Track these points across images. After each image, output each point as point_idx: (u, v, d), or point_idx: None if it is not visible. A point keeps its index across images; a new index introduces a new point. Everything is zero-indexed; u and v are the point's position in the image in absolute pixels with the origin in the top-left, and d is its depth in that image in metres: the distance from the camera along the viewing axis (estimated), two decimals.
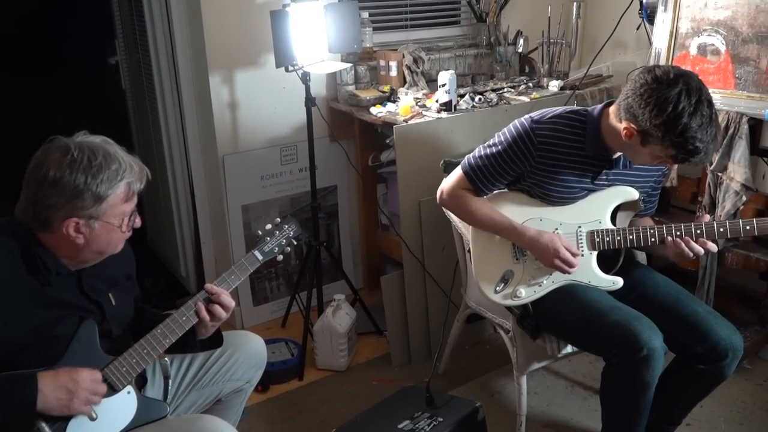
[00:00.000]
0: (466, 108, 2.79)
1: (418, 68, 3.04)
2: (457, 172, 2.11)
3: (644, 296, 2.08)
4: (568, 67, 3.46)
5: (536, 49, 3.35)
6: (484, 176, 2.04)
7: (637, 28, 3.09)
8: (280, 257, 1.90)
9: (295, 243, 1.94)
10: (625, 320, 1.87)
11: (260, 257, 1.84)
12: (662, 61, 2.72)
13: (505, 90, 3.10)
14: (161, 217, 3.52)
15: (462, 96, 2.86)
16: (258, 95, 2.89)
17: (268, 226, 1.90)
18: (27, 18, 3.88)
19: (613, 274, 2.08)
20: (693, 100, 1.73)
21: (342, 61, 3.04)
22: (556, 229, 2.05)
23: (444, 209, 2.30)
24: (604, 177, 2.03)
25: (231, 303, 1.72)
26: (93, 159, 1.49)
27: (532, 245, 2.01)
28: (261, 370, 1.99)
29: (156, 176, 3.40)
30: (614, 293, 2.07)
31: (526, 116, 2.01)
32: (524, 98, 2.95)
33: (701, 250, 1.96)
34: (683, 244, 1.95)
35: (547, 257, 1.99)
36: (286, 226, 1.91)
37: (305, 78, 2.59)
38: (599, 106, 1.97)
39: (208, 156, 2.98)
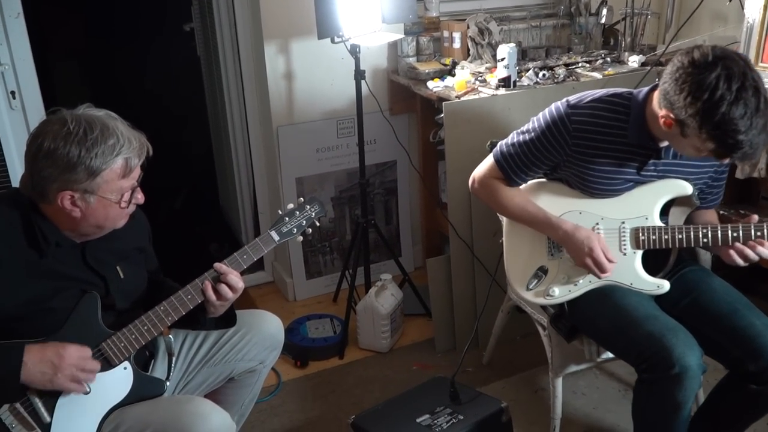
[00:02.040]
0: (528, 84, 2.59)
1: (484, 40, 2.85)
2: (489, 160, 1.96)
3: (697, 303, 1.85)
4: (661, 41, 3.14)
5: (622, 20, 3.05)
6: (516, 165, 1.88)
7: (730, 1, 2.73)
8: (300, 238, 1.85)
9: (318, 224, 1.87)
10: (659, 332, 1.67)
11: (277, 238, 1.79)
12: (755, 37, 2.39)
13: (579, 65, 2.85)
14: (227, 184, 3.58)
15: (525, 71, 2.65)
16: (314, 66, 2.83)
17: (290, 206, 1.84)
18: None
19: (663, 277, 1.87)
20: (735, 87, 1.49)
21: (406, 31, 2.91)
22: (597, 224, 1.86)
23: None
24: (652, 167, 1.81)
25: (239, 284, 1.69)
26: (89, 132, 1.47)
27: (566, 240, 1.84)
28: (276, 351, 1.96)
29: (223, 144, 3.47)
30: (664, 298, 1.87)
31: (564, 100, 1.82)
32: (597, 74, 2.70)
33: (755, 257, 1.73)
34: (737, 249, 1.72)
35: (580, 255, 1.82)
36: (308, 207, 1.84)
37: (354, 50, 2.50)
38: (645, 89, 1.75)
39: (264, 127, 2.97)
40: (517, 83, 2.58)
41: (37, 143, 1.48)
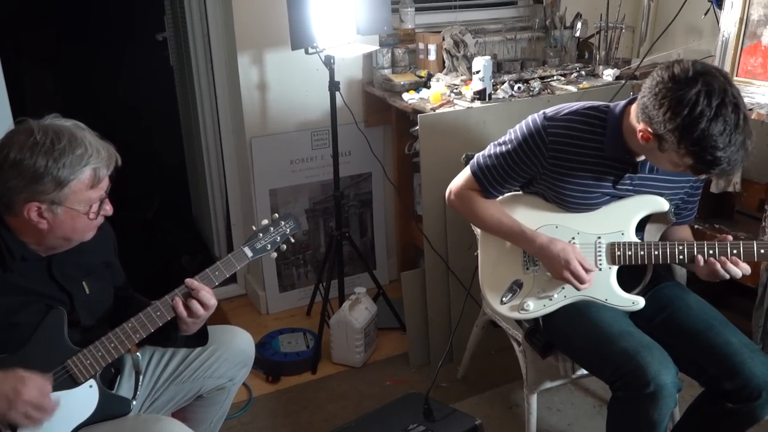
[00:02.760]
0: (503, 97, 2.59)
1: (459, 52, 2.85)
2: (465, 172, 1.94)
3: (672, 319, 1.85)
4: (636, 54, 3.17)
5: (596, 34, 3.07)
6: (493, 177, 1.86)
7: (705, 14, 2.76)
8: (274, 254, 1.82)
9: (292, 240, 1.85)
10: (633, 349, 1.66)
11: (250, 254, 1.76)
12: (729, 51, 2.41)
13: (554, 78, 2.86)
14: (200, 195, 3.52)
15: (500, 84, 2.65)
16: (289, 77, 2.80)
17: (264, 222, 1.81)
18: None
19: (638, 293, 1.87)
20: (714, 103, 1.48)
21: (381, 43, 2.90)
22: (573, 238, 1.85)
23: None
24: (628, 182, 1.80)
25: (211, 300, 1.64)
26: (56, 142, 1.43)
27: (542, 253, 1.82)
28: (247, 368, 1.91)
29: (195, 154, 3.42)
30: (639, 314, 1.86)
31: (540, 112, 1.81)
32: (572, 88, 2.71)
33: (738, 272, 1.72)
34: (718, 264, 1.72)
35: (557, 268, 1.80)
36: (283, 223, 1.82)
37: (329, 61, 2.47)
38: (622, 103, 1.74)
39: (237, 137, 2.93)
40: (492, 96, 2.57)
41: (3, 154, 1.43)
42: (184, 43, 3.14)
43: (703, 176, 1.68)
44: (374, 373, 2.67)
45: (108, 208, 1.57)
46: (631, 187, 1.81)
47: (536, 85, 2.70)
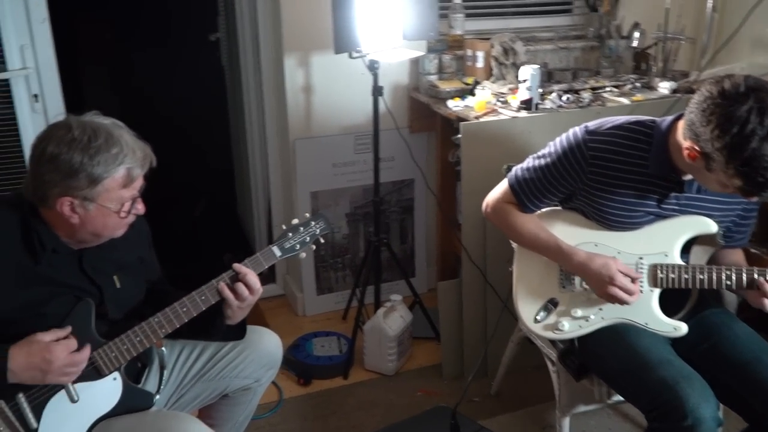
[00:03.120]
0: (551, 108, 2.52)
1: (508, 60, 2.79)
2: (503, 184, 1.89)
3: (718, 348, 1.75)
4: (695, 67, 3.04)
5: (654, 45, 2.97)
6: (531, 191, 1.80)
7: None
8: (303, 255, 1.80)
9: (322, 241, 1.83)
10: (673, 379, 1.57)
11: (278, 253, 1.74)
12: None
13: (607, 89, 2.77)
14: (245, 194, 3.55)
15: (549, 94, 2.58)
16: (334, 80, 2.79)
17: (295, 221, 1.80)
18: None
19: (680, 318, 1.78)
20: (767, 122, 1.39)
21: (429, 49, 2.86)
22: (613, 258, 1.77)
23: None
24: (674, 201, 1.72)
25: (257, 285, 1.65)
26: (93, 140, 1.46)
27: (582, 270, 1.75)
28: (273, 370, 1.90)
29: (242, 155, 3.45)
30: (682, 341, 1.77)
31: (582, 125, 1.74)
32: (624, 100, 2.62)
33: None
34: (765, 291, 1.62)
35: (600, 285, 1.73)
36: (313, 223, 1.80)
37: (373, 66, 2.45)
38: (670, 118, 1.66)
39: (281, 139, 2.95)
40: (539, 106, 2.50)
41: (41, 147, 1.46)
42: (234, 45, 3.17)
43: (755, 199, 1.59)
44: (406, 383, 2.63)
45: (140, 207, 1.58)
46: (677, 207, 1.73)
47: (586, 96, 2.62)
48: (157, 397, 1.71)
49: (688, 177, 1.67)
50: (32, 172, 1.49)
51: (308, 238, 1.78)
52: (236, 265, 1.63)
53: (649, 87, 2.80)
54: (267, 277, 3.30)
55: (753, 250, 2.48)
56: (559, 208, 1.87)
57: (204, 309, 1.62)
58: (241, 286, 1.61)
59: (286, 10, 2.65)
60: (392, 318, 2.65)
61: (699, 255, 1.79)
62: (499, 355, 2.46)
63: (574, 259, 1.76)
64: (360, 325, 2.70)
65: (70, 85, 4.02)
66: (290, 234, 1.77)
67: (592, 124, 1.73)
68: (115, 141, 1.48)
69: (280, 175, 3.04)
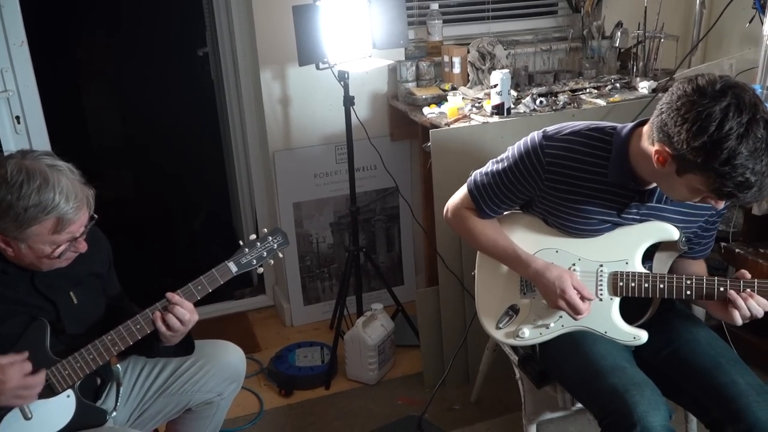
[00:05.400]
0: (525, 111, 2.49)
1: (485, 65, 2.77)
2: (463, 189, 1.87)
3: (678, 354, 1.72)
4: (688, 64, 2.98)
5: (639, 44, 2.92)
6: (488, 196, 1.78)
7: (750, 21, 2.57)
8: (260, 269, 1.82)
9: (281, 255, 1.85)
10: (623, 387, 1.54)
11: (234, 269, 1.76)
12: None
13: (586, 90, 2.73)
14: (236, 207, 3.58)
15: (522, 98, 2.56)
16: (312, 91, 2.81)
17: (252, 237, 1.82)
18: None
19: (641, 325, 1.74)
20: (744, 119, 1.34)
21: (407, 56, 2.86)
22: (574, 264, 1.75)
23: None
24: (635, 211, 1.68)
25: (185, 316, 1.65)
26: (26, 185, 1.45)
27: (537, 279, 1.73)
28: (236, 383, 1.92)
29: (230, 167, 3.48)
30: (645, 346, 1.74)
31: (541, 130, 1.71)
32: (601, 101, 2.58)
33: (759, 310, 1.57)
34: (739, 300, 1.57)
35: (551, 297, 1.70)
36: (270, 238, 1.82)
37: (343, 76, 2.46)
38: (630, 124, 1.61)
39: (262, 151, 2.97)
40: (512, 110, 2.48)
41: None
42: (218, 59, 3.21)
43: (721, 204, 1.53)
44: (387, 392, 2.62)
45: (81, 247, 1.58)
46: (637, 217, 1.68)
47: (562, 98, 2.59)
48: (114, 413, 1.73)
49: (651, 186, 1.63)
50: None
51: (265, 253, 1.81)
52: (169, 295, 1.63)
53: (630, 87, 2.76)
54: (256, 288, 3.33)
55: (738, 251, 2.44)
56: (520, 212, 1.85)
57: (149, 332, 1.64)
58: (172, 318, 1.62)
59: (260, 24, 2.67)
60: (372, 327, 2.64)
61: (662, 261, 1.75)
62: (479, 363, 2.44)
63: (531, 268, 1.74)
64: (341, 335, 2.70)
65: (70, 103, 4.11)
66: (247, 249, 1.79)
67: (550, 129, 1.70)
68: (50, 188, 1.46)
69: (264, 187, 3.06)
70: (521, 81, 2.85)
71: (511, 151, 1.76)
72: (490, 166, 1.81)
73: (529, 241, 1.80)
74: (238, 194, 3.28)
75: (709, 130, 1.36)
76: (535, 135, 1.72)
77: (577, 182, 1.67)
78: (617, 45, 2.95)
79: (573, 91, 2.74)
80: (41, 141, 2.69)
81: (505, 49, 2.89)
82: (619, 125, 1.66)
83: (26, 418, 1.55)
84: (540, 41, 3.02)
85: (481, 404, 2.51)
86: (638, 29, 2.81)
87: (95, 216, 1.61)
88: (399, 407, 2.52)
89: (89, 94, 4.26)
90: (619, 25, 2.95)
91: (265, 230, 1.83)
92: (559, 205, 1.72)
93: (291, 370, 2.66)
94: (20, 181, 1.44)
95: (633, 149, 1.58)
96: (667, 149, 1.44)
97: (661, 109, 1.46)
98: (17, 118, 2.61)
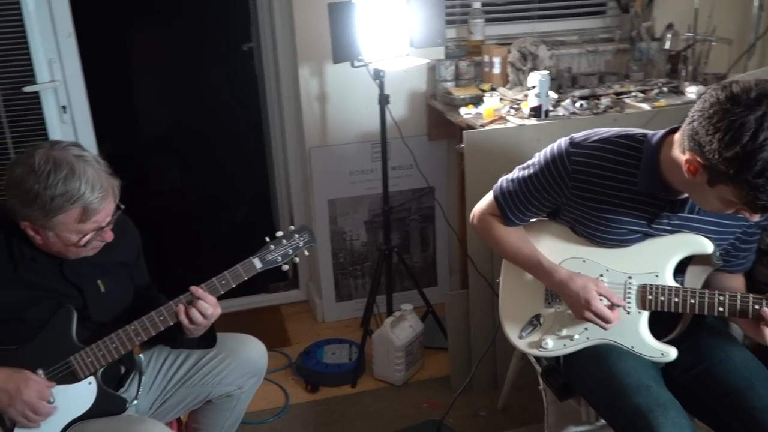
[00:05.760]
0: (564, 114, 2.43)
1: (525, 65, 2.71)
2: (489, 196, 1.83)
3: (711, 373, 1.64)
4: (740, 69, 2.86)
5: (689, 47, 2.81)
6: (513, 203, 1.74)
7: None
8: (286, 267, 1.82)
9: (306, 253, 1.84)
10: (647, 407, 1.48)
11: (259, 265, 1.76)
12: None
13: (632, 94, 2.65)
14: (275, 201, 3.61)
15: (562, 100, 2.49)
16: (349, 89, 2.80)
17: (279, 234, 1.82)
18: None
19: (671, 341, 1.67)
20: None
21: (447, 55, 2.83)
22: (601, 275, 1.69)
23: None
24: (666, 221, 1.61)
25: (208, 310, 1.67)
26: (52, 175, 1.48)
27: (561, 289, 1.68)
28: (256, 378, 1.93)
29: (269, 161, 3.51)
30: (675, 364, 1.67)
31: (569, 136, 1.66)
32: (645, 106, 2.49)
33: None
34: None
35: (576, 307, 1.65)
36: (297, 236, 1.81)
37: (378, 74, 2.44)
38: (661, 132, 1.54)
39: (300, 148, 2.98)
40: (551, 113, 2.42)
41: (11, 169, 1.52)
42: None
43: (757, 218, 1.46)
44: (413, 394, 2.60)
45: (107, 236, 1.60)
46: (669, 228, 1.62)
47: (605, 102, 2.51)
48: (135, 402, 1.76)
49: (683, 196, 1.56)
50: (4, 191, 1.54)
51: (291, 251, 1.80)
52: (192, 288, 1.66)
53: (678, 92, 2.66)
54: (291, 282, 3.35)
55: None
56: (547, 220, 1.80)
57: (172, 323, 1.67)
58: (194, 312, 1.64)
59: (299, 20, 2.68)
60: (401, 327, 2.62)
61: (696, 275, 1.68)
62: (508, 369, 2.39)
63: (555, 277, 1.68)
64: (369, 334, 2.69)
65: (123, 95, 4.20)
66: (272, 246, 1.78)
67: (578, 136, 1.65)
68: (76, 178, 1.49)
69: (300, 183, 3.08)
70: (564, 83, 2.78)
71: (538, 157, 1.71)
72: (516, 173, 1.77)
73: (556, 249, 1.75)
74: (276, 189, 3.30)
75: (743, 141, 1.29)
76: (562, 142, 1.67)
77: (604, 190, 1.61)
78: (667, 47, 2.85)
79: (617, 94, 2.65)
80: (86, 130, 2.77)
81: (548, 50, 2.83)
82: (650, 132, 1.59)
83: (49, 403, 1.59)
84: (585, 42, 2.94)
85: (508, 412, 2.46)
86: (688, 31, 2.70)
87: (121, 206, 1.65)
88: (424, 410, 2.50)
89: (139, 85, 4.35)
90: (670, 26, 2.84)
91: (292, 227, 1.82)
92: (586, 213, 1.66)
93: (318, 366, 2.67)
94: (47, 170, 1.48)
95: (664, 158, 1.52)
96: (698, 159, 1.38)
97: (693, 116, 1.39)
98: (63, 107, 2.69)
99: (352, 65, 2.37)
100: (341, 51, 2.30)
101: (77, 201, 1.50)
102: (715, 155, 1.33)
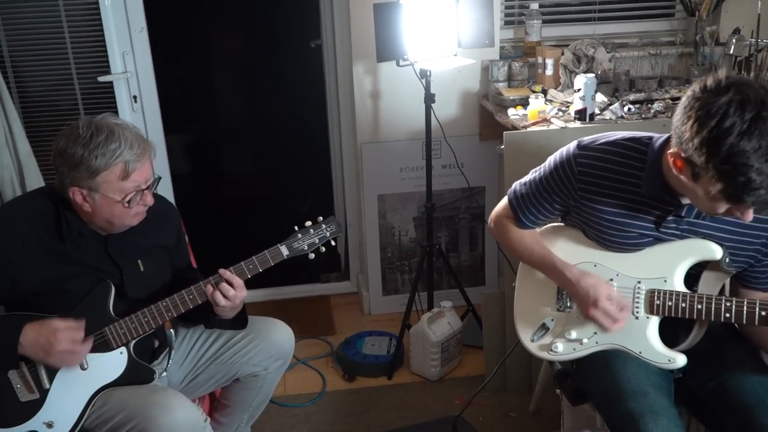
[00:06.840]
0: (610, 118, 2.39)
1: (579, 68, 2.67)
2: (505, 199, 1.85)
3: (724, 388, 1.60)
4: None
5: (760, 51, 2.67)
6: (525, 206, 1.75)
7: None
8: (312, 255, 1.90)
9: (333, 243, 1.92)
10: (639, 413, 1.47)
11: (286, 252, 1.85)
12: None
13: None
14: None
15: (611, 104, 2.44)
16: (403, 87, 2.85)
17: (307, 223, 1.90)
18: None
19: (684, 349, 1.64)
20: (748, 116, 1.25)
21: (502, 56, 2.83)
22: (611, 279, 1.68)
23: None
24: (673, 226, 1.58)
25: (230, 292, 1.76)
26: (95, 136, 1.64)
27: (570, 286, 1.68)
28: (282, 360, 2.02)
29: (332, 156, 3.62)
30: (694, 376, 1.65)
31: (577, 140, 1.66)
32: None
33: None
34: None
35: (584, 305, 1.65)
36: (324, 226, 1.90)
37: (424, 74, 2.48)
38: (665, 135, 1.52)
39: (353, 142, 3.06)
40: (597, 116, 2.38)
41: (57, 142, 1.68)
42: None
43: (749, 216, 1.39)
44: (446, 390, 2.64)
45: (148, 200, 1.74)
46: (677, 233, 1.58)
47: (656, 106, 2.45)
48: (164, 374, 1.89)
49: (687, 200, 1.52)
50: (53, 164, 1.70)
51: (317, 240, 1.88)
52: (221, 271, 1.77)
53: None
54: (342, 274, 3.44)
55: None
56: (561, 224, 1.80)
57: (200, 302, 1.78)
58: (217, 294, 1.75)
59: (355, 19, 2.76)
60: (438, 324, 2.66)
61: (710, 283, 1.63)
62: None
63: (566, 274, 1.69)
64: (407, 328, 2.74)
65: (204, 87, 4.42)
66: (300, 235, 1.87)
67: (586, 139, 1.65)
68: (115, 138, 1.65)
69: (354, 177, 3.16)
70: (621, 86, 2.72)
71: (548, 161, 1.72)
72: (529, 176, 1.78)
73: (569, 253, 1.74)
74: (333, 182, 3.40)
75: (709, 125, 1.28)
76: (571, 145, 1.67)
77: (611, 193, 1.60)
78: (731, 53, 2.72)
79: (673, 99, 2.57)
80: (154, 119, 2.96)
81: (608, 52, 2.78)
82: (656, 135, 1.57)
83: (82, 368, 1.73)
84: (646, 45, 2.86)
85: (539, 415, 2.45)
86: (751, 37, 2.57)
87: (159, 176, 1.79)
88: (455, 406, 2.52)
89: (214, 77, 4.58)
90: (736, 31, 2.72)
91: (321, 218, 1.90)
92: (594, 216, 1.65)
93: (357, 356, 2.75)
94: (90, 134, 1.64)
95: (665, 160, 1.49)
96: (680, 153, 1.37)
97: (676, 110, 1.39)
98: (134, 97, 2.90)
99: (397, 64, 2.42)
100: (385, 50, 2.36)
101: (118, 157, 1.64)
102: (689, 144, 1.33)
